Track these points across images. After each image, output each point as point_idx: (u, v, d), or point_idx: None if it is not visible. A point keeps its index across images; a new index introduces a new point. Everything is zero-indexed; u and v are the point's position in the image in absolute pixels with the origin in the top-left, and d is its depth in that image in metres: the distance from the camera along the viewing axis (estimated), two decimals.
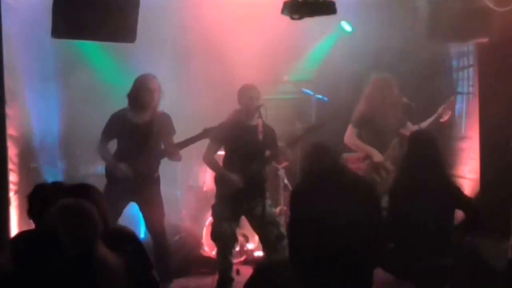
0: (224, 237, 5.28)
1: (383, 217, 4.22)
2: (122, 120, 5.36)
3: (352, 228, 3.71)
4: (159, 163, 5.44)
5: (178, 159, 5.49)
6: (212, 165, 5.48)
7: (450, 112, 5.89)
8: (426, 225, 4.28)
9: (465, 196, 4.64)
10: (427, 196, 4.32)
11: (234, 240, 5.40)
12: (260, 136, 5.19)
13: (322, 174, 3.97)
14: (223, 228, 5.26)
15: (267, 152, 5.34)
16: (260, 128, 5.21)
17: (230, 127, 5.32)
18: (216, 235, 5.34)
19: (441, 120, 5.83)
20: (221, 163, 5.45)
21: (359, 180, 4.17)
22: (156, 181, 5.46)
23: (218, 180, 5.41)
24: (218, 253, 5.42)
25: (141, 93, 5.29)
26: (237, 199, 5.25)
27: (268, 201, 5.30)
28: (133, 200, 5.41)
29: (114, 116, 5.41)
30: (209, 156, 5.40)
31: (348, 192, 3.87)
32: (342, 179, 4.00)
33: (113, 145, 5.49)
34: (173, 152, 5.35)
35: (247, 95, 5.30)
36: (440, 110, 5.82)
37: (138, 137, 5.29)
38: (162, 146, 5.44)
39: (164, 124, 5.38)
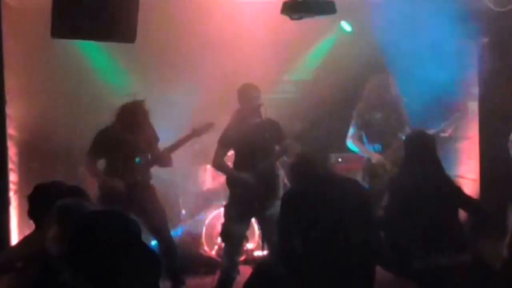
0: (233, 237, 5.29)
1: (376, 216, 4.20)
2: (109, 137, 5.34)
3: (345, 231, 3.69)
4: (150, 172, 5.47)
5: (170, 165, 5.49)
6: (222, 168, 5.49)
7: (452, 128, 5.81)
8: (427, 225, 4.27)
9: (467, 196, 4.64)
10: (428, 196, 4.32)
11: (242, 240, 5.40)
12: (266, 133, 5.20)
13: (311, 182, 3.93)
14: (232, 228, 5.27)
15: (277, 148, 5.32)
16: (264, 125, 5.21)
17: (234, 129, 5.33)
18: (225, 235, 5.36)
19: (442, 135, 5.75)
20: (232, 164, 5.47)
21: (348, 184, 4.12)
22: (151, 189, 5.47)
23: (229, 182, 5.41)
24: (224, 252, 5.43)
25: (134, 118, 5.28)
26: (249, 199, 5.20)
27: None
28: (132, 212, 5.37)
29: (99, 134, 5.37)
30: (218, 160, 5.41)
31: (339, 196, 3.83)
32: (331, 185, 3.95)
33: None
34: (166, 158, 5.39)
35: (247, 94, 5.29)
36: (443, 125, 5.75)
37: (125, 150, 5.30)
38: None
39: (149, 133, 5.41)
